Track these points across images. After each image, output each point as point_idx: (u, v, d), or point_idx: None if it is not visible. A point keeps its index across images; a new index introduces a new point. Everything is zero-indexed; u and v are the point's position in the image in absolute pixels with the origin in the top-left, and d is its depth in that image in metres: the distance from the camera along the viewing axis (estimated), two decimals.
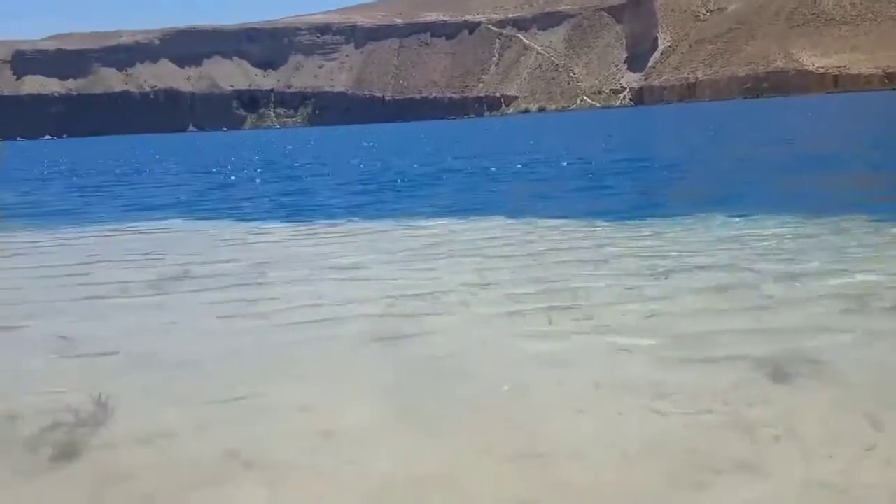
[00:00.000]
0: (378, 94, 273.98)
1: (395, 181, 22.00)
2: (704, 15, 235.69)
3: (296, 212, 15.61)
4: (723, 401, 4.30)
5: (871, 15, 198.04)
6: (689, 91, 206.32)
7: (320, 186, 22.01)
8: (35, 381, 5.25)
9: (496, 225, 12.18)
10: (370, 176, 25.01)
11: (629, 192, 16.36)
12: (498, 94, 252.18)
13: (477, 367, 5.19)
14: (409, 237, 11.66)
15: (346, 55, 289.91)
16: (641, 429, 4.04)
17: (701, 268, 7.84)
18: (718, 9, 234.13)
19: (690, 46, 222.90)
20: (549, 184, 19.26)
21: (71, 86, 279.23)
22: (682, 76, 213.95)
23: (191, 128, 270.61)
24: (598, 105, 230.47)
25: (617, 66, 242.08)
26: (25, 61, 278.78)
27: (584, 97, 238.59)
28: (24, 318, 7.16)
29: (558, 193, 16.88)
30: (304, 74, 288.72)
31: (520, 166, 25.44)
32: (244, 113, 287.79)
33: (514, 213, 13.27)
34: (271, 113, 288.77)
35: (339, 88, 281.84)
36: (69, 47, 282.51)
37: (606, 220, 11.66)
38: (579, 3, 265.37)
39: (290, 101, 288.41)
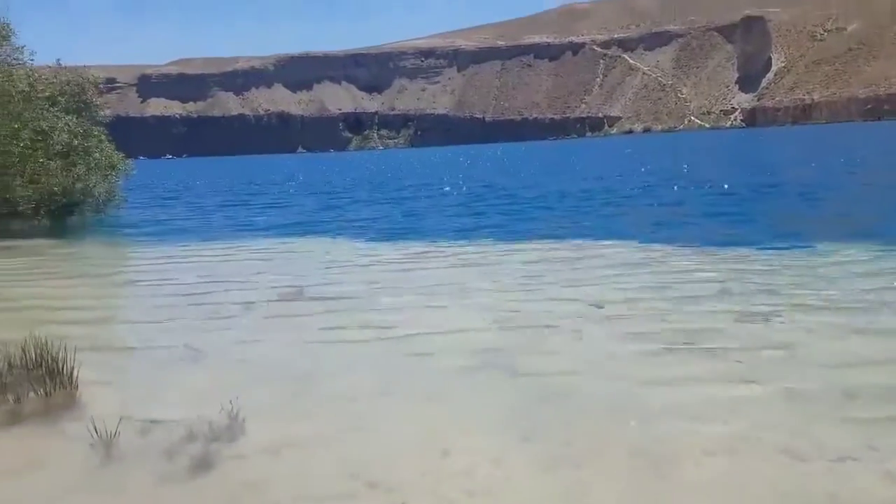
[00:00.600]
0: (479, 116, 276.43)
1: (504, 204, 21.83)
2: (821, 35, 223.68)
3: (406, 233, 15.77)
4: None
5: None
6: (805, 113, 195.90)
7: (429, 208, 22.19)
8: (170, 393, 5.55)
9: (614, 251, 11.84)
10: (477, 197, 24.99)
11: (761, 218, 15.16)
12: (601, 115, 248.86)
13: (597, 400, 5.05)
14: (521, 260, 11.50)
15: (449, 78, 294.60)
16: (772, 477, 3.80)
17: (843, 307, 7.32)
18: (836, 29, 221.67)
19: (806, 67, 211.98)
20: (670, 209, 18.23)
21: (191, 108, 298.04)
22: (796, 97, 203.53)
23: (300, 149, 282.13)
24: (707, 126, 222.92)
25: (728, 86, 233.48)
26: (150, 85, 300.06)
27: (693, 118, 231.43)
28: (157, 333, 7.60)
29: (682, 219, 15.88)
30: (408, 97, 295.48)
31: (635, 189, 24.54)
32: (349, 135, 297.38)
33: (633, 238, 12.82)
34: (375, 135, 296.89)
35: (440, 110, 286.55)
36: (190, 72, 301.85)
37: (738, 249, 11.00)
38: (688, 23, 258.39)
39: (393, 123, 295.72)
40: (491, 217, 18.30)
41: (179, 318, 8.21)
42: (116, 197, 20.89)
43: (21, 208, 18.42)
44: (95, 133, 20.30)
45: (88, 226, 19.40)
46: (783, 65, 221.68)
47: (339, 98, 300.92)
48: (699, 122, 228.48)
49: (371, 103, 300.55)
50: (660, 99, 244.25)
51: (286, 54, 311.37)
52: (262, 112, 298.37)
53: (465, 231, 15.62)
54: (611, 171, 38.26)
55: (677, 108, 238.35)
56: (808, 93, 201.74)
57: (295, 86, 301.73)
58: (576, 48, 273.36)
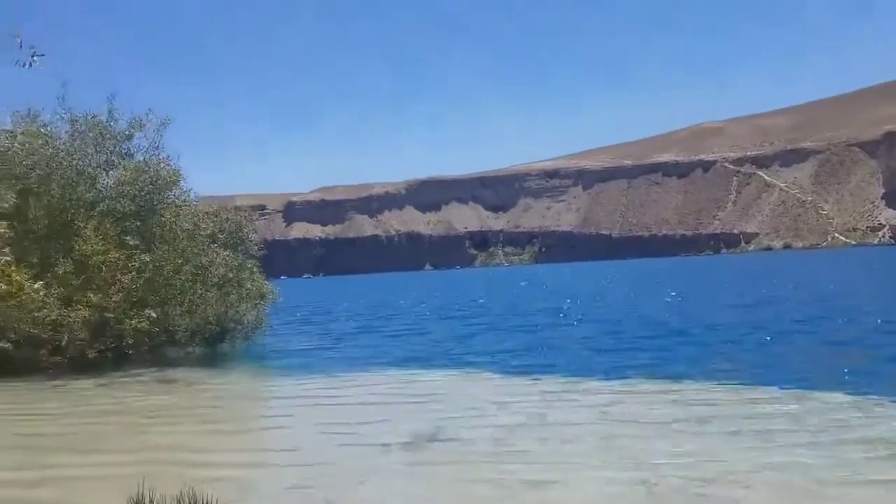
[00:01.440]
0: (605, 232, 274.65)
1: (647, 334, 20.76)
2: None
3: (544, 367, 15.26)
4: None
5: None
6: None
7: (566, 337, 21.62)
8: None
9: (773, 396, 10.82)
10: (615, 324, 24.06)
11: None
12: (736, 231, 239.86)
13: None
14: (671, 402, 10.82)
15: (574, 196, 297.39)
16: None
17: None
18: None
19: None
20: (850, 350, 15.79)
21: (329, 231, 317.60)
22: None
23: (427, 266, 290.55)
24: (852, 243, 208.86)
25: (873, 202, 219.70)
26: (295, 211, 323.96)
27: (836, 234, 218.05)
28: (295, 480, 7.66)
29: (870, 363, 13.68)
30: (532, 215, 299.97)
31: (795, 321, 21.83)
32: (475, 252, 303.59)
33: (799, 382, 11.67)
34: (500, 251, 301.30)
35: (565, 227, 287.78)
36: (331, 198, 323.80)
37: None
38: (826, 139, 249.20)
39: (517, 240, 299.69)
40: (636, 350, 17.37)
41: (319, 465, 8.24)
42: (263, 324, 22.05)
43: (178, 336, 19.80)
44: (248, 265, 21.85)
45: (238, 355, 20.45)
46: None
47: (466, 217, 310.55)
48: (844, 238, 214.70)
49: (496, 222, 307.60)
50: (799, 215, 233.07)
51: (417, 179, 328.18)
52: (393, 232, 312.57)
53: (608, 366, 14.93)
54: (758, 294, 36.03)
55: (819, 225, 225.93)
56: None
57: (424, 207, 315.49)
58: (706, 165, 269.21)
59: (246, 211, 25.76)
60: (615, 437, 8.93)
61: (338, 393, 13.55)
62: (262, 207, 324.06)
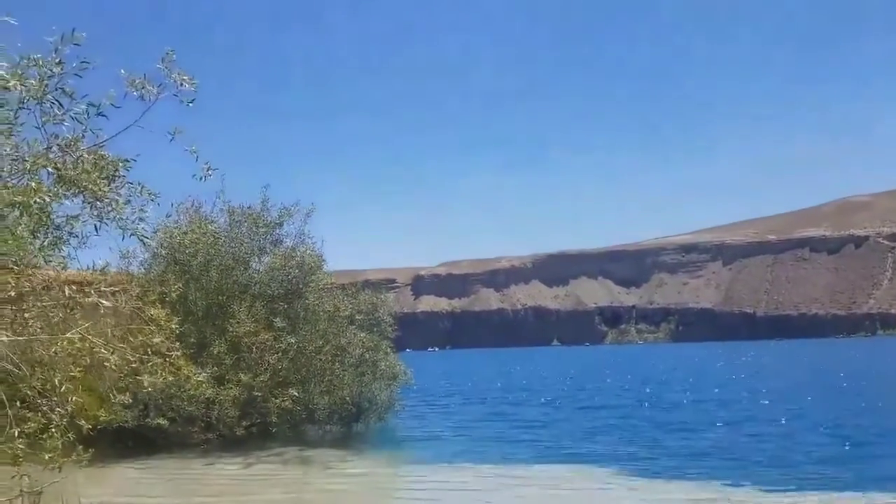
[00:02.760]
0: (748, 311, 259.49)
1: (832, 445, 18.29)
2: None
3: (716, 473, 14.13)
4: None
5: None
6: None
7: (725, 435, 20.01)
8: None
9: None
10: (797, 430, 21.32)
11: None
12: (894, 311, 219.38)
13: None
14: None
15: (713, 272, 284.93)
16: None
17: None
18: None
19: None
20: None
21: (455, 304, 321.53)
22: None
23: (555, 342, 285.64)
24: None
25: None
26: (423, 284, 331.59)
27: None
28: None
29: None
30: (668, 291, 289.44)
31: None
32: (605, 328, 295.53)
33: None
34: (633, 329, 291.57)
35: (704, 304, 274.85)
36: (456, 272, 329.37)
37: None
38: None
39: (651, 316, 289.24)
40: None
41: None
42: (396, 404, 22.38)
43: (317, 415, 20.49)
44: (383, 346, 22.44)
45: (371, 436, 20.82)
46: None
47: (595, 292, 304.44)
48: None
49: (628, 297, 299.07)
50: None
51: (544, 253, 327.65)
52: (519, 307, 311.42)
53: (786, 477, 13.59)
54: None
55: None
56: None
57: (551, 281, 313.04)
58: (858, 241, 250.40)
59: (381, 291, 26.66)
60: None
61: (469, 484, 13.36)
62: (392, 281, 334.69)
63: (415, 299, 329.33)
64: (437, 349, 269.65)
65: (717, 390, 35.93)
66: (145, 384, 8.20)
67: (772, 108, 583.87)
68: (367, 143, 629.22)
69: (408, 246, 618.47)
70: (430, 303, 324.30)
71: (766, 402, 28.79)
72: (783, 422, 21.80)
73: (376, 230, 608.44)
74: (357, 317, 22.35)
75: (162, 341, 8.16)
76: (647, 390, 37.43)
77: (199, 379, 16.11)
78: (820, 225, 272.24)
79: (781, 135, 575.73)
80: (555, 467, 15.14)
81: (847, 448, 16.44)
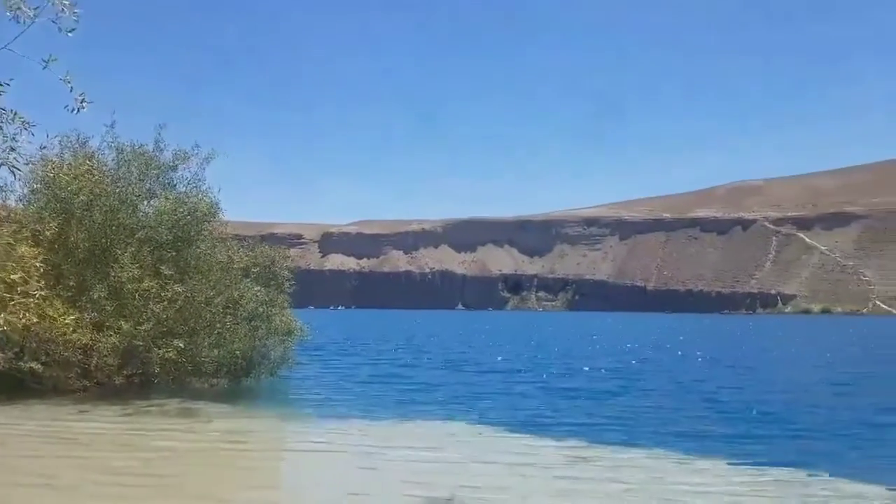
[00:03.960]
0: (640, 284, 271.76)
1: (705, 401, 19.73)
2: None
3: (589, 429, 14.81)
4: None
5: None
6: None
7: (620, 395, 20.97)
8: None
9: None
10: (675, 389, 22.91)
11: None
12: (773, 292, 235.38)
13: None
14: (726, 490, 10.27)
15: (610, 246, 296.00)
16: None
17: None
18: None
19: None
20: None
21: (364, 264, 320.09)
22: None
23: (459, 306, 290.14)
24: (894, 311, 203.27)
25: None
26: (332, 242, 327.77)
27: (878, 302, 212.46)
28: None
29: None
30: (568, 262, 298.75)
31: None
32: (508, 295, 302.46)
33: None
34: (533, 296, 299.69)
35: (600, 277, 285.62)
36: (368, 232, 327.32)
37: None
38: (871, 205, 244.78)
39: (551, 286, 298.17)
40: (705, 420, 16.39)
41: None
42: (289, 361, 22.02)
43: (205, 368, 19.87)
44: (279, 301, 21.94)
45: (261, 391, 20.42)
46: None
47: (501, 260, 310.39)
48: (886, 307, 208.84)
49: (531, 266, 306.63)
50: (840, 280, 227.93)
51: (454, 218, 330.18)
52: (427, 270, 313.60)
53: (652, 435, 14.17)
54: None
55: (860, 291, 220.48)
56: None
57: (460, 247, 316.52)
58: (746, 224, 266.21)
59: (281, 246, 26.03)
60: None
61: (349, 444, 13.26)
62: (299, 237, 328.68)
63: (322, 257, 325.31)
64: (342, 308, 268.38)
65: (632, 360, 37.45)
66: (1, 322, 7.65)
67: (679, 90, 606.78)
68: (281, 90, 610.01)
69: (318, 203, 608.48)
70: (338, 261, 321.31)
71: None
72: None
73: (287, 184, 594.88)
74: (253, 269, 21.71)
75: (21, 278, 7.60)
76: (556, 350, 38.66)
77: (66, 321, 15.29)
78: (712, 206, 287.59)
79: (684, 116, 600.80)
80: (443, 424, 15.30)
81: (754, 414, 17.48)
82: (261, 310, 20.66)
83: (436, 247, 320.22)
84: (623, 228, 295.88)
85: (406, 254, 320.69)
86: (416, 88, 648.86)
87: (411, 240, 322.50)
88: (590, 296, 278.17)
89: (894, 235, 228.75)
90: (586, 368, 29.81)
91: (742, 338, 67.67)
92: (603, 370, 29.27)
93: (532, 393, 21.17)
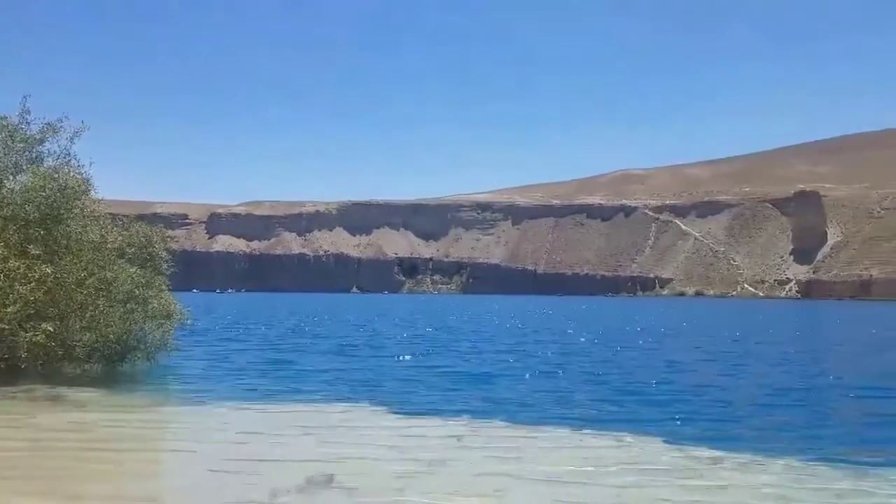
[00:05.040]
0: (531, 268, 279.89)
1: (595, 373, 21.05)
2: (879, 213, 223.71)
3: (457, 404, 15.31)
4: None
5: None
6: (863, 289, 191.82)
7: (500, 370, 21.73)
8: None
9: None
10: (546, 360, 24.19)
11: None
12: (652, 276, 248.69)
13: None
14: (582, 456, 10.79)
15: (503, 230, 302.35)
16: None
17: None
18: (895, 208, 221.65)
19: (864, 243, 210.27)
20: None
21: (255, 246, 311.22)
22: (854, 273, 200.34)
23: (354, 289, 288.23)
24: (760, 294, 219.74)
25: (782, 256, 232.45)
26: (219, 223, 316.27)
27: (746, 285, 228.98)
28: None
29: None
30: (462, 246, 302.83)
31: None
32: (403, 278, 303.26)
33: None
34: (428, 279, 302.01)
35: (493, 260, 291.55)
36: (259, 213, 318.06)
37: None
38: (740, 194, 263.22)
39: (446, 269, 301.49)
40: (569, 392, 17.40)
41: None
42: (168, 345, 21.51)
43: (77, 353, 19.14)
44: (157, 283, 21.35)
45: (137, 376, 19.86)
46: (839, 239, 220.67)
47: (396, 243, 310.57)
48: (752, 290, 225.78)
49: (426, 249, 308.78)
50: (712, 264, 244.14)
51: (349, 201, 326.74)
52: (321, 252, 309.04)
53: (527, 406, 14.99)
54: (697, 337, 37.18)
55: (730, 275, 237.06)
56: (866, 269, 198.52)
57: (355, 229, 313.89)
58: (628, 211, 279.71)
59: (161, 226, 25.28)
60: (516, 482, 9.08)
61: (230, 426, 13.28)
62: (184, 217, 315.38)
63: (209, 238, 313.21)
64: (232, 291, 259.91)
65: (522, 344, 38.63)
66: None
67: (565, 85, 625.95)
68: (166, 62, 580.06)
69: (205, 181, 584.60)
70: (227, 243, 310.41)
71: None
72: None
73: (170, 161, 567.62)
74: (128, 250, 21.00)
75: None
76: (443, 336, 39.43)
77: None
78: (597, 193, 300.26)
79: (569, 106, 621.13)
80: (322, 407, 15.44)
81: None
82: (137, 292, 20.05)
83: (330, 229, 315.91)
84: (516, 214, 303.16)
85: (299, 236, 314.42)
86: (296, 71, 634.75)
87: (305, 222, 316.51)
88: (483, 279, 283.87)
89: (761, 223, 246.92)
90: (480, 350, 30.81)
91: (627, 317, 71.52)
92: (491, 352, 30.33)
93: (418, 376, 21.45)
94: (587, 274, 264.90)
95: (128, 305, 19.90)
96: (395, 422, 13.73)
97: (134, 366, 20.41)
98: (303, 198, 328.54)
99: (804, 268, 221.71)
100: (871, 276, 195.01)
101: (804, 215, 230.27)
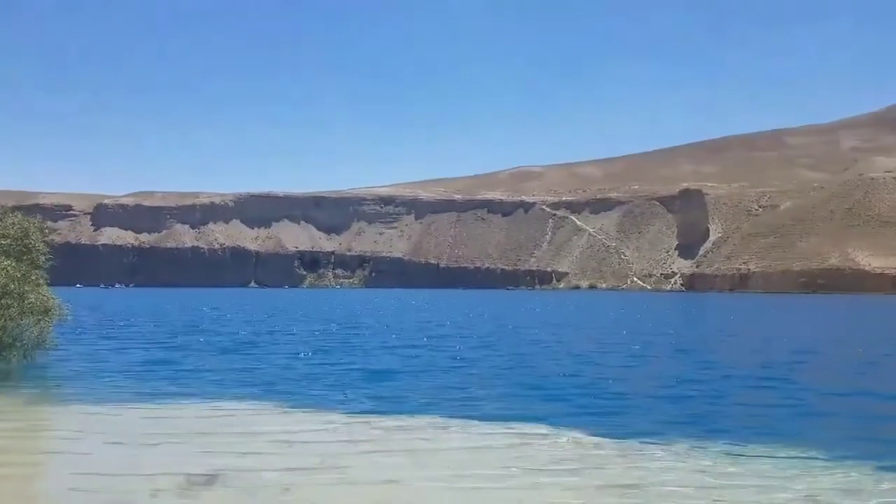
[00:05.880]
0: (433, 262, 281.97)
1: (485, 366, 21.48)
2: (756, 210, 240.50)
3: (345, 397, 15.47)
4: None
5: None
6: (742, 282, 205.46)
7: (403, 366, 21.83)
8: None
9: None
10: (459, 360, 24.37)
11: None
12: (549, 269, 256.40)
13: None
14: (463, 446, 11.21)
15: (406, 224, 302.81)
16: None
17: None
18: (770, 206, 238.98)
19: (743, 239, 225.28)
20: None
21: (145, 239, 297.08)
22: (734, 266, 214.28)
23: (252, 284, 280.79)
24: (648, 287, 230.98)
25: (668, 251, 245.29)
26: (106, 214, 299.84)
27: (635, 279, 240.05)
28: None
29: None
30: (365, 240, 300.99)
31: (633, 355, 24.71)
32: (304, 272, 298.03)
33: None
34: (330, 273, 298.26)
35: (396, 254, 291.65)
36: (149, 204, 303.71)
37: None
38: (630, 192, 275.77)
39: (348, 263, 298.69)
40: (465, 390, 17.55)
41: None
42: (47, 342, 20.64)
43: None
44: (33, 277, 20.41)
45: (12, 375, 18.95)
46: (720, 235, 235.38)
47: (297, 236, 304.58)
48: (641, 283, 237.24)
49: (328, 243, 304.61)
50: (604, 259, 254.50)
51: (247, 192, 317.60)
52: (217, 246, 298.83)
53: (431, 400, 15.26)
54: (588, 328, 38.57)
55: (620, 269, 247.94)
56: (744, 263, 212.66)
57: (253, 222, 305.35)
58: (527, 206, 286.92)
59: (38, 216, 24.09)
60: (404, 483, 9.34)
61: (108, 426, 12.98)
62: (68, 208, 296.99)
63: (95, 230, 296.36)
64: (121, 286, 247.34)
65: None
66: None
67: (464, 81, 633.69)
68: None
69: (91, 171, 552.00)
70: (114, 235, 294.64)
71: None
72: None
73: (52, 149, 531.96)
74: (2, 241, 19.99)
75: None
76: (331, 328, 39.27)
77: None
78: (497, 189, 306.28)
79: (469, 101, 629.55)
80: (202, 406, 15.23)
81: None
82: (12, 286, 19.13)
83: (226, 222, 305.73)
84: (419, 208, 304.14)
85: (193, 228, 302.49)
86: (187, 57, 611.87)
87: (199, 214, 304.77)
88: (386, 273, 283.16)
89: (649, 220, 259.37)
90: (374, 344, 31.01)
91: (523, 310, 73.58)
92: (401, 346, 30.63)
93: (313, 373, 21.36)
94: (488, 268, 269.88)
95: (2, 301, 18.95)
96: (283, 420, 13.72)
97: (9, 364, 19.47)
98: (197, 189, 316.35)
99: (688, 262, 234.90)
100: (748, 269, 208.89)
101: (688, 212, 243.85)
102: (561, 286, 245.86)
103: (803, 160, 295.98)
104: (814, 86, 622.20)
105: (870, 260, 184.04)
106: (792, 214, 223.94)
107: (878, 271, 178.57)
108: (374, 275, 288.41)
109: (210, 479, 8.96)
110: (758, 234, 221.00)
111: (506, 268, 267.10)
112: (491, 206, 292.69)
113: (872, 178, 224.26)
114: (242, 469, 9.62)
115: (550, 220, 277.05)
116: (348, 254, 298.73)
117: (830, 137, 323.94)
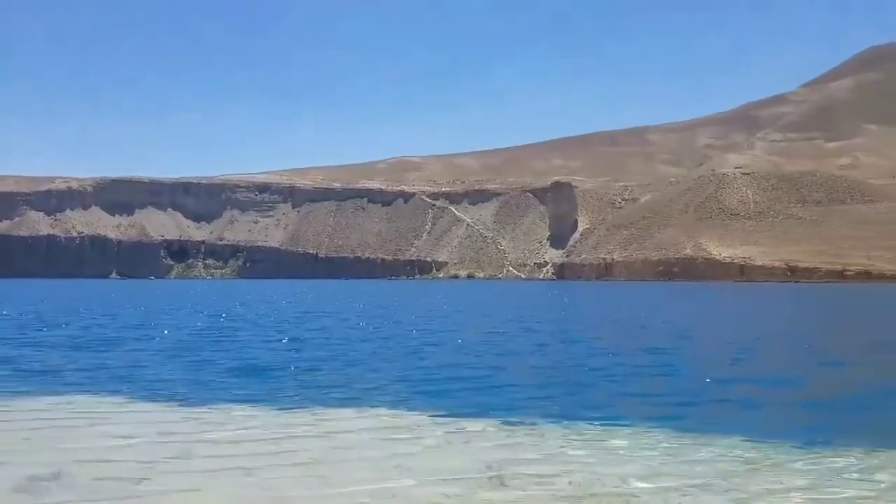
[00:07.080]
0: (311, 252, 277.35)
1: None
2: (620, 203, 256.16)
3: (200, 393, 15.34)
4: None
5: (772, 213, 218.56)
6: (607, 270, 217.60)
7: (264, 354, 21.62)
8: None
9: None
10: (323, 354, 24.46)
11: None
12: (429, 259, 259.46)
13: None
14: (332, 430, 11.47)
15: (283, 213, 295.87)
16: None
17: None
18: (632, 199, 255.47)
19: (608, 230, 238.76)
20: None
21: None
22: (599, 256, 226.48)
23: (113, 274, 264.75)
24: (522, 276, 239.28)
25: (541, 241, 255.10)
26: None
27: (510, 268, 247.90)
28: None
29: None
30: (238, 229, 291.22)
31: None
32: (171, 262, 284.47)
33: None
34: (200, 264, 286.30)
35: (272, 244, 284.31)
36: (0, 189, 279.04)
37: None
38: (507, 184, 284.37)
39: (220, 253, 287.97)
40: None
41: None
42: None
43: None
44: None
45: None
46: (587, 226, 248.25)
47: (163, 225, 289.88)
48: (516, 272, 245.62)
49: (198, 232, 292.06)
50: (482, 249, 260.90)
51: (108, 177, 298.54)
52: (75, 234, 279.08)
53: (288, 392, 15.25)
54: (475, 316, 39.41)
55: (497, 259, 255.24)
56: (608, 253, 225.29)
57: (115, 209, 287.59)
58: (407, 196, 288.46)
59: None
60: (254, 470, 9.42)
61: None
62: None
63: None
64: None
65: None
66: None
67: (346, 71, 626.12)
68: None
69: None
70: None
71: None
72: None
73: None
74: None
75: None
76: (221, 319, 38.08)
77: None
78: (377, 178, 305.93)
79: (352, 89, 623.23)
80: (49, 401, 14.67)
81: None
82: None
83: (85, 208, 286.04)
84: (296, 196, 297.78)
85: (48, 215, 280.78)
86: (41, 37, 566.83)
87: (55, 200, 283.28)
88: (262, 263, 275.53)
89: (524, 211, 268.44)
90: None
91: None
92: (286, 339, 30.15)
93: (153, 365, 20.95)
94: (368, 258, 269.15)
95: None
96: (136, 413, 13.44)
97: None
98: (52, 173, 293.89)
99: (559, 252, 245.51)
100: (612, 259, 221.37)
101: (559, 205, 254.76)
102: (440, 275, 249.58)
103: (662, 156, 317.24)
104: (674, 84, 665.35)
105: (720, 250, 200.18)
106: (651, 207, 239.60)
107: (728, 260, 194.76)
108: (248, 265, 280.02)
109: (54, 475, 8.68)
110: (621, 226, 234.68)
111: (386, 257, 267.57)
112: (371, 196, 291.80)
113: (724, 174, 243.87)
114: (91, 460, 9.50)
115: (430, 211, 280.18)
116: (220, 243, 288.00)
117: (687, 135, 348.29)
